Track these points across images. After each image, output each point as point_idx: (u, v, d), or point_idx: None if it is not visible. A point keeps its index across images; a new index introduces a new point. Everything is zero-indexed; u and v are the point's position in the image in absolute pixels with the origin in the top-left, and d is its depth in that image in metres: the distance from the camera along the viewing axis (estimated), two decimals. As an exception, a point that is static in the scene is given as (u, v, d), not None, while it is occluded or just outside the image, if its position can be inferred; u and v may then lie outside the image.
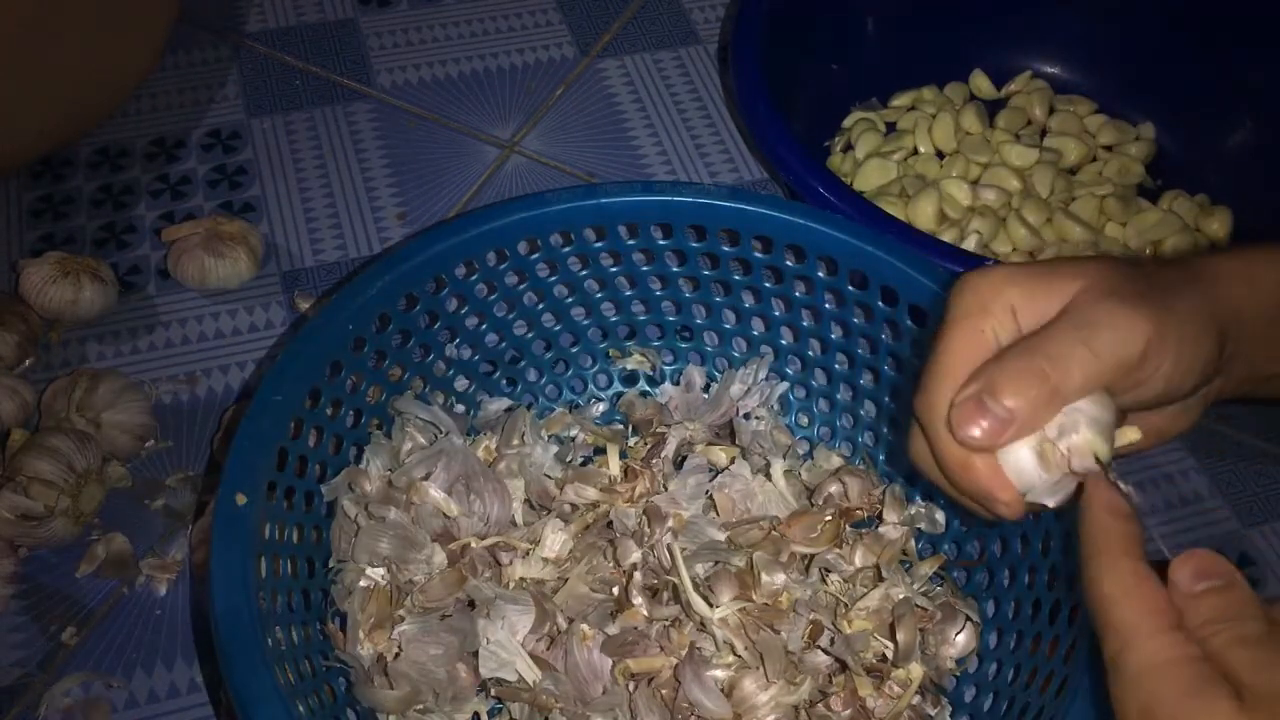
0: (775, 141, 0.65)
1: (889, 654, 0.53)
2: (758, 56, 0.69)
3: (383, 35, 0.89)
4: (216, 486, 0.47)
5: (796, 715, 0.51)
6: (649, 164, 0.81)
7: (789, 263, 0.58)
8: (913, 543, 0.59)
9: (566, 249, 0.59)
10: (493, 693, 0.53)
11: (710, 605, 0.52)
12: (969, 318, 0.38)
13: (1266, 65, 0.76)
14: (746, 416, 0.63)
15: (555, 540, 0.55)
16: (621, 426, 0.65)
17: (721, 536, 0.56)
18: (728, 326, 0.64)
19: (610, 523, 0.57)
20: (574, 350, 0.64)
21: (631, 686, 0.52)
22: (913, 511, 0.59)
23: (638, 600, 0.53)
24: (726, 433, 0.63)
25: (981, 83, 0.83)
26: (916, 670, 0.52)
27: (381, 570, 0.54)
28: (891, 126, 0.81)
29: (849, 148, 0.79)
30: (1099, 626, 0.33)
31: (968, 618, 0.54)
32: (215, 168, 0.79)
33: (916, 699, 0.52)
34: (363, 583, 0.54)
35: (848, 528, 0.58)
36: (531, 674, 0.52)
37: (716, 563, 0.54)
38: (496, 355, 0.62)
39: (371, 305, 0.54)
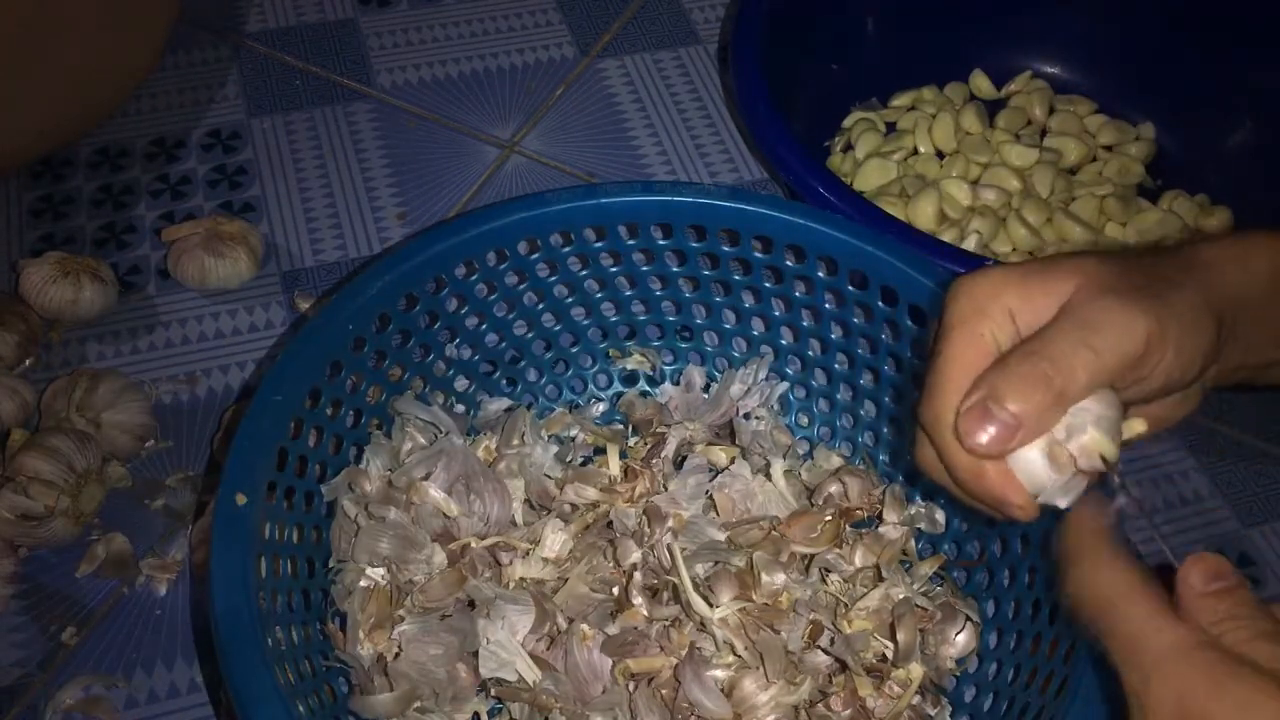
0: (775, 141, 0.65)
1: (889, 654, 0.53)
2: (758, 56, 0.69)
3: (383, 35, 0.89)
4: (216, 486, 0.47)
5: (796, 715, 0.51)
6: (649, 164, 0.81)
7: (789, 263, 0.58)
8: (913, 543, 0.59)
9: (566, 249, 0.59)
10: (493, 693, 0.53)
11: (710, 605, 0.52)
12: (966, 323, 0.38)
13: (1266, 65, 0.76)
14: (746, 416, 0.63)
15: (555, 540, 0.55)
16: (621, 426, 0.65)
17: (721, 536, 0.56)
18: (728, 326, 0.64)
19: (610, 523, 0.57)
20: (574, 350, 0.64)
21: (631, 686, 0.52)
22: (913, 511, 0.59)
23: (638, 600, 0.53)
24: (726, 433, 0.63)
25: (981, 83, 0.83)
26: (916, 670, 0.52)
27: (381, 570, 0.54)
28: (891, 126, 0.81)
29: (849, 148, 0.79)
30: (1100, 628, 0.33)
31: (968, 618, 0.54)
32: (215, 168, 0.79)
33: (916, 699, 0.52)
34: (363, 583, 0.54)
35: (848, 528, 0.58)
36: (531, 674, 0.52)
37: (716, 563, 0.54)
38: (496, 355, 0.62)
39: (371, 305, 0.54)
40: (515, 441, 0.59)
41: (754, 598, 0.53)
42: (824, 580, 0.56)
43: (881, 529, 0.58)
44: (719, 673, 0.51)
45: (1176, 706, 0.31)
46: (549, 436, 0.61)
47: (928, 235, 0.64)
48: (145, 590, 0.60)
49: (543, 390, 0.65)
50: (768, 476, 0.59)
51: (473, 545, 0.54)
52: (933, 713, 0.53)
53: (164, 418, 0.67)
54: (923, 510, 0.59)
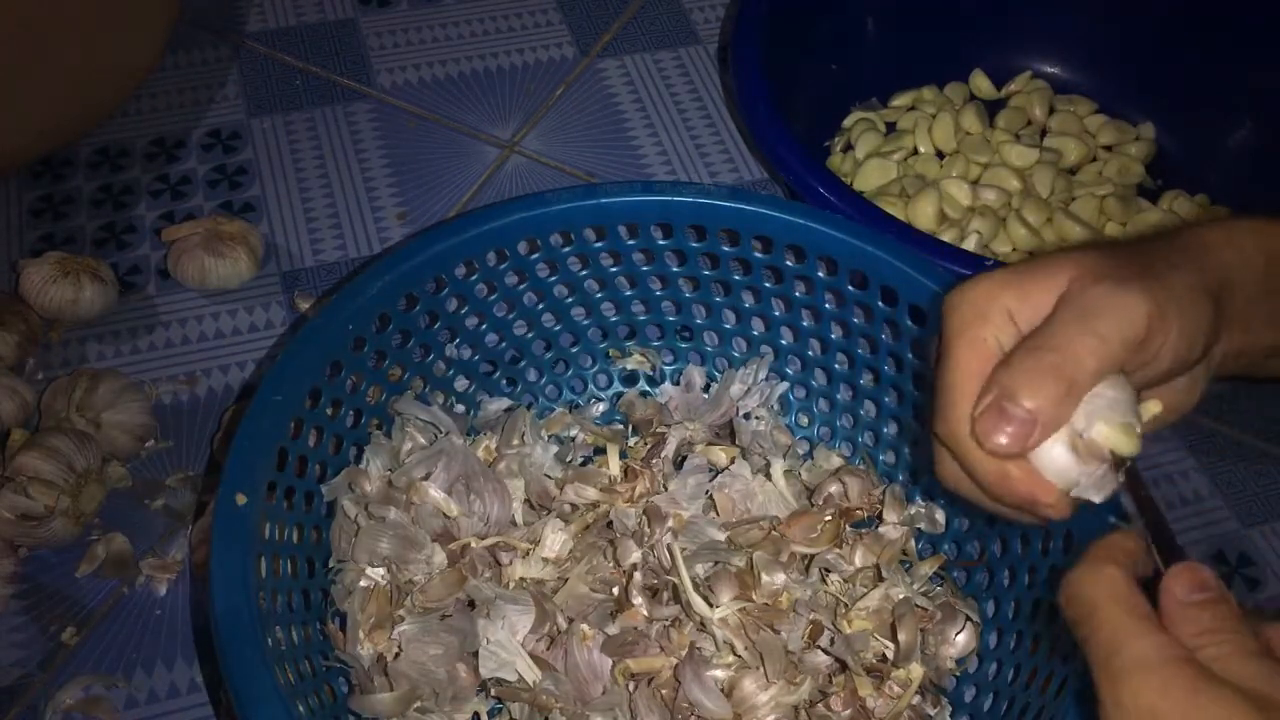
0: (775, 141, 0.65)
1: (889, 654, 0.53)
2: (758, 56, 0.69)
3: (383, 35, 0.89)
4: (216, 486, 0.47)
5: (796, 715, 0.51)
6: (649, 164, 0.81)
7: (789, 263, 0.58)
8: (913, 543, 0.59)
9: (566, 249, 0.59)
10: (493, 693, 0.53)
11: (710, 605, 0.52)
12: (967, 330, 0.38)
13: (1266, 65, 0.76)
14: (746, 416, 0.63)
15: (555, 540, 0.55)
16: (621, 426, 0.65)
17: (721, 536, 0.56)
18: (728, 326, 0.64)
19: (610, 523, 0.57)
20: (574, 350, 0.64)
21: (631, 686, 0.52)
22: (913, 511, 0.59)
23: (638, 600, 0.53)
24: (726, 433, 0.63)
25: (981, 83, 0.83)
26: (916, 670, 0.52)
27: (381, 570, 0.54)
28: (891, 126, 0.81)
29: (849, 148, 0.79)
30: (1081, 633, 0.33)
31: (968, 618, 0.54)
32: (215, 168, 0.79)
33: (916, 699, 0.52)
34: (363, 583, 0.54)
35: (848, 528, 0.58)
36: (531, 674, 0.52)
37: (716, 563, 0.54)
38: (496, 355, 0.62)
39: (371, 305, 0.54)
40: (515, 441, 0.59)
41: (754, 598, 0.53)
42: (824, 580, 0.56)
43: (881, 529, 0.58)
44: (719, 673, 0.51)
45: (1146, 718, 0.30)
46: (549, 436, 0.61)
47: (928, 235, 0.64)
48: (145, 590, 0.60)
49: (543, 390, 0.65)
50: (768, 476, 0.59)
51: (473, 545, 0.54)
52: (933, 713, 0.53)
53: (164, 418, 0.67)
54: (923, 510, 0.59)
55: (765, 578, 0.53)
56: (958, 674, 0.55)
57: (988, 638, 0.54)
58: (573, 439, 0.62)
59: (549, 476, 0.59)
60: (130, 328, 0.71)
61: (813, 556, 0.56)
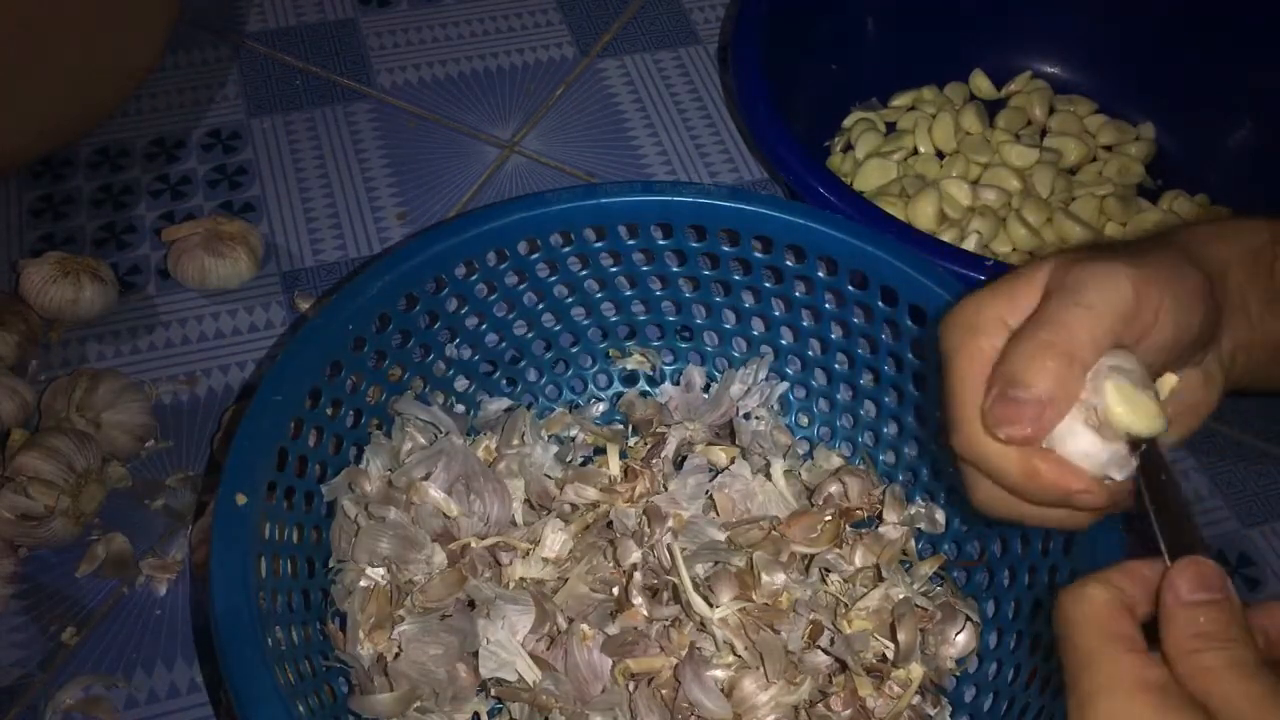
0: (775, 141, 0.65)
1: (889, 654, 0.53)
2: (758, 56, 0.69)
3: (383, 35, 0.89)
4: (216, 486, 0.47)
5: (796, 715, 0.51)
6: (649, 164, 0.81)
7: (789, 263, 0.58)
8: (913, 543, 0.59)
9: (566, 249, 0.59)
10: (493, 693, 0.53)
11: (710, 605, 0.52)
12: (964, 344, 0.38)
13: (1266, 65, 0.76)
14: (746, 416, 0.63)
15: (555, 540, 0.55)
16: (621, 426, 0.65)
17: (721, 536, 0.56)
18: (728, 326, 0.64)
19: (610, 523, 0.57)
20: (574, 350, 0.64)
21: (631, 686, 0.52)
22: (913, 511, 0.59)
23: (638, 600, 0.53)
24: (726, 433, 0.63)
25: (981, 83, 0.83)
26: (916, 670, 0.52)
27: (381, 570, 0.54)
28: (891, 126, 0.81)
29: (849, 148, 0.79)
30: (1059, 653, 0.33)
31: (968, 618, 0.54)
32: (215, 168, 0.79)
33: (916, 699, 0.52)
34: (363, 583, 0.54)
35: (848, 528, 0.58)
36: (531, 674, 0.52)
37: (716, 563, 0.54)
38: (496, 355, 0.62)
39: (371, 305, 0.54)
40: (515, 441, 0.59)
41: (754, 598, 0.53)
42: (824, 580, 0.56)
43: (881, 529, 0.58)
44: (719, 673, 0.51)
45: None
46: (549, 436, 0.61)
47: (928, 235, 0.64)
48: (145, 590, 0.60)
49: (543, 390, 0.65)
50: (768, 476, 0.59)
51: (473, 545, 0.54)
52: (933, 713, 0.53)
53: (164, 418, 0.67)
54: (923, 510, 0.59)
55: (765, 578, 0.53)
56: (958, 674, 0.55)
57: (988, 638, 0.54)
58: (573, 439, 0.62)
59: (549, 476, 0.59)
60: (130, 328, 0.71)
61: (813, 556, 0.56)
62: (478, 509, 0.56)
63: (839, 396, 0.62)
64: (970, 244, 0.71)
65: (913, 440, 0.60)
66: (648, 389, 0.66)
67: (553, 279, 0.61)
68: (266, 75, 0.85)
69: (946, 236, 0.73)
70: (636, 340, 0.65)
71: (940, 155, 0.80)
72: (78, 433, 0.61)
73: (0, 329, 0.66)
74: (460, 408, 0.61)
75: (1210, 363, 0.41)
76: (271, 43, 0.88)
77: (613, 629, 0.53)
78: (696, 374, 0.65)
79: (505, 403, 0.63)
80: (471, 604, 0.54)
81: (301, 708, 0.44)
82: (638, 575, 0.54)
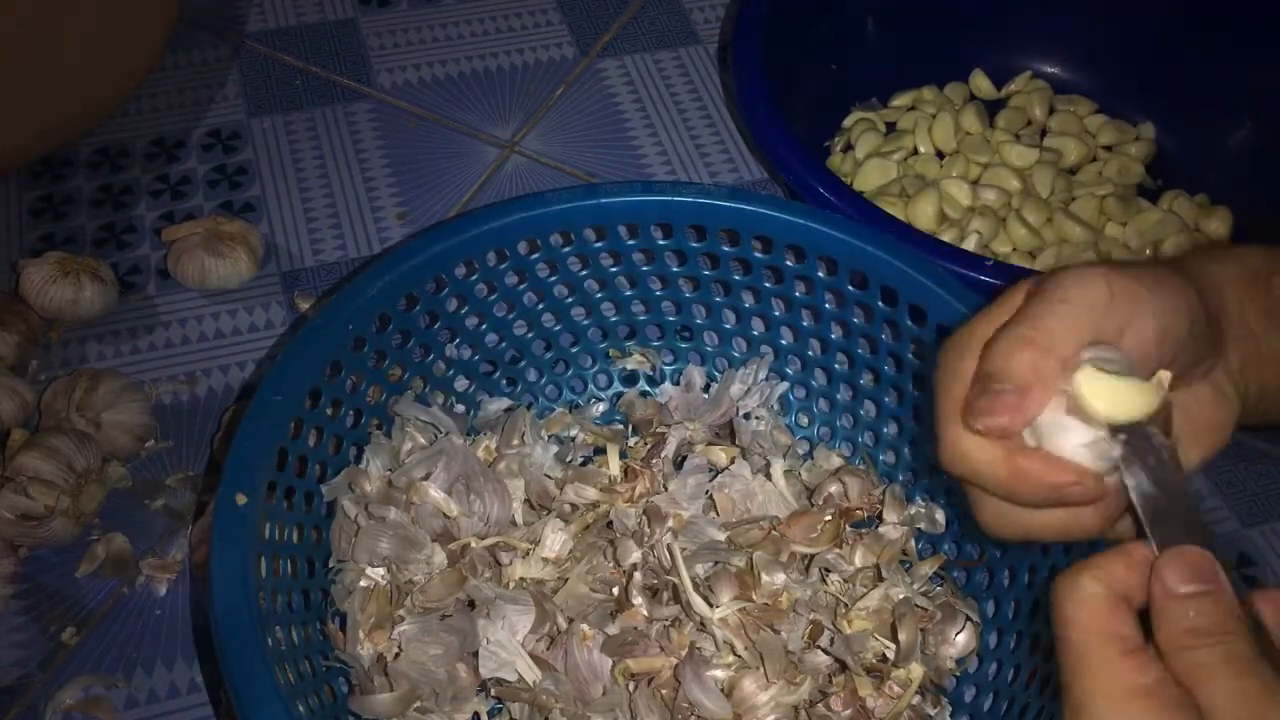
0: (775, 141, 0.65)
1: (889, 654, 0.53)
2: (758, 56, 0.69)
3: (383, 35, 0.89)
4: (216, 486, 0.47)
5: (796, 715, 0.51)
6: (649, 164, 0.81)
7: (789, 263, 0.58)
8: (913, 543, 0.59)
9: (566, 249, 0.59)
10: (493, 693, 0.53)
11: (710, 605, 0.52)
12: (947, 365, 0.39)
13: (1266, 65, 0.76)
14: (746, 416, 0.63)
15: (555, 540, 0.55)
16: (621, 426, 0.65)
17: (721, 536, 0.56)
18: (728, 326, 0.64)
19: (610, 523, 0.57)
20: (574, 350, 0.64)
21: (631, 686, 0.52)
22: (913, 511, 0.59)
23: (638, 600, 0.53)
24: (726, 433, 0.63)
25: (981, 83, 0.83)
26: (916, 670, 0.52)
27: (381, 570, 0.54)
28: (891, 126, 0.81)
29: (849, 148, 0.79)
30: (1057, 651, 0.32)
31: (968, 618, 0.54)
32: (215, 168, 0.79)
33: (916, 699, 0.52)
34: (363, 583, 0.54)
35: (848, 528, 0.58)
36: (531, 674, 0.52)
37: (716, 563, 0.54)
38: (496, 355, 0.62)
39: (371, 305, 0.54)
40: (515, 441, 0.59)
41: (754, 598, 0.53)
42: (824, 580, 0.56)
43: (881, 529, 0.58)
44: (719, 673, 0.51)
45: None
46: (549, 436, 0.61)
47: (928, 235, 0.64)
48: (145, 590, 0.60)
49: (543, 390, 0.65)
50: (768, 476, 0.59)
51: (473, 545, 0.54)
52: (933, 713, 0.53)
53: (164, 418, 0.67)
54: (923, 510, 0.59)
55: (765, 578, 0.53)
56: (958, 674, 0.55)
57: (988, 638, 0.54)
58: (573, 439, 0.62)
59: (549, 476, 0.59)
60: (130, 328, 0.71)
61: (813, 556, 0.56)
62: (478, 509, 0.56)
63: (839, 396, 0.62)
64: (970, 244, 0.71)
65: (912, 440, 0.60)
66: (648, 389, 0.66)
67: (553, 279, 0.61)
68: (266, 75, 0.85)
69: (946, 236, 0.73)
70: (636, 340, 0.65)
71: (940, 155, 0.80)
72: (78, 433, 0.61)
73: (0, 329, 0.66)
74: (460, 408, 0.61)
75: (1220, 377, 0.41)
76: (271, 43, 0.88)
77: (613, 629, 0.53)
78: (696, 374, 0.65)
79: (505, 403, 0.63)
80: (471, 604, 0.54)
81: (301, 708, 0.44)
82: (638, 575, 0.54)
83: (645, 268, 0.61)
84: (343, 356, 0.54)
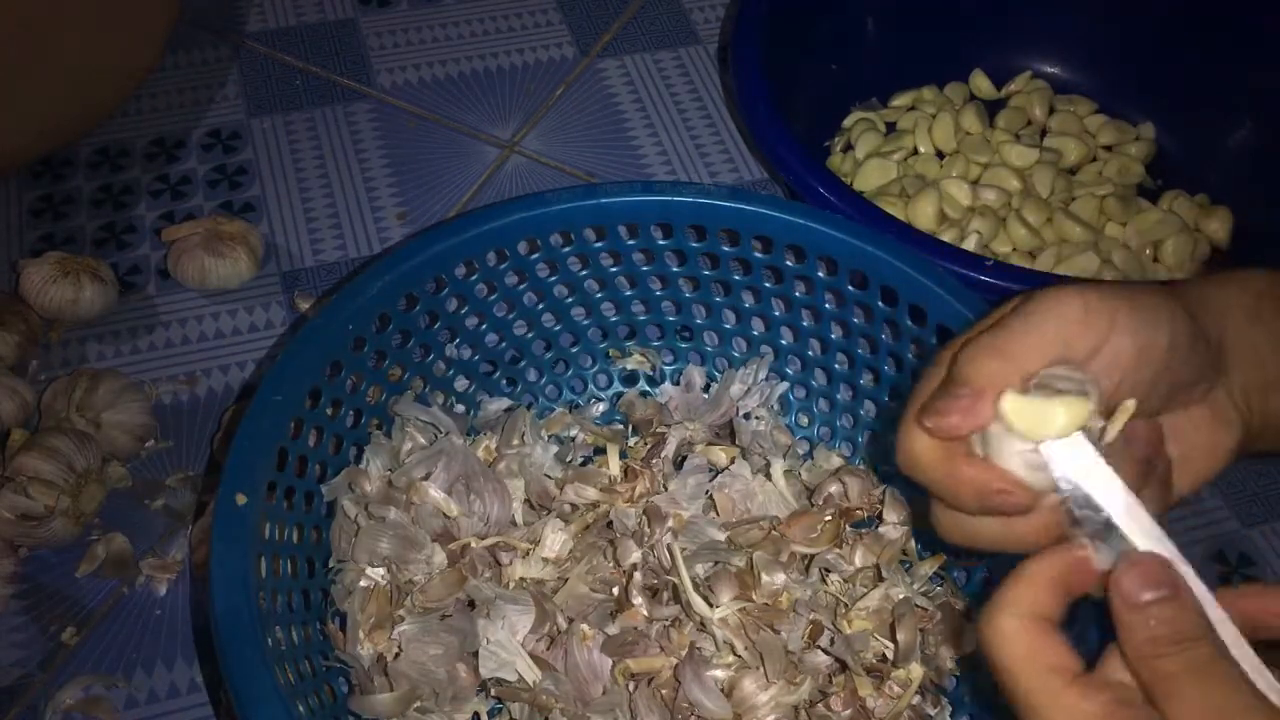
0: (775, 141, 0.65)
1: (889, 654, 0.53)
2: (758, 56, 0.69)
3: (383, 35, 0.89)
4: (216, 486, 0.47)
5: (796, 715, 0.51)
6: (649, 164, 0.81)
7: (789, 263, 0.58)
8: (913, 543, 0.59)
9: (566, 249, 0.59)
10: (493, 693, 0.53)
11: (710, 605, 0.52)
12: (932, 370, 0.39)
13: (1266, 65, 0.76)
14: (746, 416, 0.63)
15: (555, 540, 0.55)
16: (621, 426, 0.65)
17: (721, 536, 0.56)
18: (728, 326, 0.64)
19: (610, 523, 0.57)
20: (574, 350, 0.64)
21: (631, 686, 0.52)
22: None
23: (638, 600, 0.53)
24: (726, 433, 0.63)
25: (981, 83, 0.83)
26: (916, 670, 0.52)
27: (381, 570, 0.54)
28: (891, 126, 0.81)
29: (849, 148, 0.79)
30: (1001, 678, 0.32)
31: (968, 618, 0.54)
32: (215, 168, 0.79)
33: (916, 699, 0.52)
34: (363, 583, 0.54)
35: (848, 528, 0.58)
36: (531, 674, 0.52)
37: (716, 563, 0.54)
38: (496, 355, 0.62)
39: (371, 305, 0.54)
40: (515, 441, 0.59)
41: (754, 598, 0.53)
42: (824, 580, 0.56)
43: (881, 529, 0.58)
44: (719, 673, 0.51)
45: None
46: (549, 436, 0.61)
47: (928, 235, 0.64)
48: (145, 590, 0.60)
49: (543, 390, 0.65)
50: (768, 476, 0.59)
51: (473, 545, 0.54)
52: (933, 713, 0.53)
53: (164, 418, 0.67)
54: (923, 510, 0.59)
55: (765, 578, 0.53)
56: (958, 674, 0.55)
57: (988, 638, 0.54)
58: (573, 439, 0.62)
59: (549, 476, 0.59)
60: (130, 328, 0.71)
61: (813, 556, 0.56)
62: (478, 509, 0.56)
63: (839, 396, 0.62)
64: (970, 244, 0.71)
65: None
66: (648, 389, 0.66)
67: (553, 279, 0.61)
68: (266, 75, 0.85)
69: (946, 236, 0.73)
70: (636, 340, 0.65)
71: (940, 155, 0.80)
72: (78, 433, 0.61)
73: (0, 329, 0.66)
74: (460, 408, 0.61)
75: (1220, 401, 0.41)
76: (271, 43, 0.88)
77: (613, 629, 0.53)
78: (696, 374, 0.65)
79: (505, 403, 0.63)
80: (471, 604, 0.54)
81: (301, 708, 0.44)
82: (638, 575, 0.54)
83: (645, 268, 0.61)
84: (343, 356, 0.54)
